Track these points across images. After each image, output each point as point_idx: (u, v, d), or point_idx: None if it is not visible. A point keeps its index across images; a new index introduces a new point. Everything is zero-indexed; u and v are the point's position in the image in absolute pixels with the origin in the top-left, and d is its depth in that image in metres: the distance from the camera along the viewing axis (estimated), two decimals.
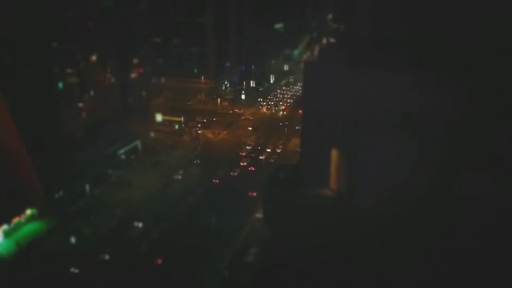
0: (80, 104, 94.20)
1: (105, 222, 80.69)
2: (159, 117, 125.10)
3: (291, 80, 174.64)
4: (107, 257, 71.51)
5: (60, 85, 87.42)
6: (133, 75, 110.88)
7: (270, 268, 45.26)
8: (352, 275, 39.63)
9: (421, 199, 37.14)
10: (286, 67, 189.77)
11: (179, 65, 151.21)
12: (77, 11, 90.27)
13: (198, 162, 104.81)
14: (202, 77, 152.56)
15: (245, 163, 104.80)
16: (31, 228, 78.68)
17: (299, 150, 47.21)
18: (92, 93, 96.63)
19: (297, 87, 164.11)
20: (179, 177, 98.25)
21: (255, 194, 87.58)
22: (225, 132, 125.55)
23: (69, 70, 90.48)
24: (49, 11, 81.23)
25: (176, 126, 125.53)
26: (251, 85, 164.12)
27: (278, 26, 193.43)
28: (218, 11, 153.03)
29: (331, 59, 44.64)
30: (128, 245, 74.66)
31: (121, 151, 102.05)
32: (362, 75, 38.05)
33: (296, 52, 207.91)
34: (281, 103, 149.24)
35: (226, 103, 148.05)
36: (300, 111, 47.49)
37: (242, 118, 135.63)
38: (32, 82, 78.38)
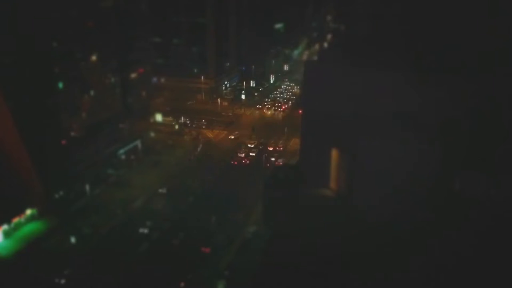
0: (80, 104, 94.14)
1: (105, 222, 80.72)
2: (159, 117, 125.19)
3: (291, 80, 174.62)
4: (107, 257, 71.48)
5: (60, 85, 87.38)
6: (133, 75, 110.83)
7: (270, 268, 45.24)
8: (352, 275, 39.63)
9: (421, 199, 37.16)
10: (286, 67, 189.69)
11: (179, 65, 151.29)
12: (77, 11, 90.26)
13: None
14: (202, 77, 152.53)
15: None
16: (31, 228, 78.67)
17: (299, 149, 47.23)
18: (92, 93, 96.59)
19: (297, 87, 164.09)
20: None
21: None
22: (225, 132, 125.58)
23: (69, 70, 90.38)
24: (49, 11, 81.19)
25: (176, 126, 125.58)
26: (251, 85, 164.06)
27: (278, 26, 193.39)
28: (218, 11, 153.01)
29: (331, 59, 44.70)
30: (128, 245, 74.66)
31: (121, 151, 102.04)
32: (362, 75, 38.08)
33: (296, 52, 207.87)
34: (281, 103, 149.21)
35: (226, 103, 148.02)
36: (300, 111, 47.58)
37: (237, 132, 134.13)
38: (32, 82, 78.39)
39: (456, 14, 39.08)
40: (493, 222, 35.61)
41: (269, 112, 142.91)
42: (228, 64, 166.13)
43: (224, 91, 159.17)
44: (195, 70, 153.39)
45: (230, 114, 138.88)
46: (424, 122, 36.40)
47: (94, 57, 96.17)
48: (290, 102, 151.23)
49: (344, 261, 39.61)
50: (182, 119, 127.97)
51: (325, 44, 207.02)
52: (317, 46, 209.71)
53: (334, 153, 41.27)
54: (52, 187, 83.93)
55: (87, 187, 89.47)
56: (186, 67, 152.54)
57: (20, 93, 76.42)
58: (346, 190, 40.70)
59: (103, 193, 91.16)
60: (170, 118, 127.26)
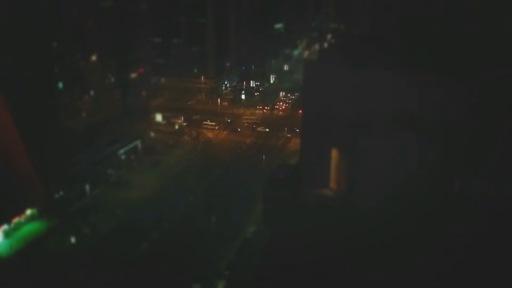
0: (80, 104, 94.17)
1: (105, 222, 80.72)
2: (159, 117, 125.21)
3: (291, 80, 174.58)
4: (107, 257, 71.47)
5: (60, 85, 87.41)
6: (133, 75, 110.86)
7: (270, 268, 45.28)
8: (352, 275, 39.64)
9: (421, 198, 37.18)
10: (286, 67, 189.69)
11: (179, 65, 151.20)
12: (77, 11, 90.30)
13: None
14: (202, 77, 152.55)
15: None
16: (31, 228, 78.65)
17: (299, 149, 47.29)
18: (92, 93, 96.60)
19: (297, 87, 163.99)
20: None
21: None
22: (225, 132, 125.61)
23: (69, 70, 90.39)
24: (49, 11, 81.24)
25: (176, 126, 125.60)
26: (251, 85, 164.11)
27: (278, 26, 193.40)
28: (218, 11, 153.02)
29: (331, 59, 44.76)
30: (128, 245, 74.63)
31: (121, 151, 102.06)
32: (362, 75, 38.11)
33: (296, 52, 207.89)
34: (281, 103, 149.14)
35: (226, 103, 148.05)
36: (300, 111, 47.73)
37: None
38: (32, 82, 78.43)
39: (456, 14, 39.11)
40: (493, 222, 35.64)
41: (269, 112, 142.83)
42: (228, 64, 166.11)
43: (224, 91, 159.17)
44: (195, 70, 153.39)
45: (230, 114, 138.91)
46: (424, 122, 36.44)
47: (94, 57, 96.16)
48: (290, 102, 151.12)
49: (344, 261, 39.63)
50: (182, 119, 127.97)
51: (325, 44, 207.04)
52: (317, 46, 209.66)
53: (334, 153, 41.31)
54: (52, 187, 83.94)
55: (87, 187, 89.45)
56: (186, 67, 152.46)
57: (20, 93, 76.44)
58: (346, 190, 40.73)
59: (103, 193, 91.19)
60: (170, 118, 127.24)
